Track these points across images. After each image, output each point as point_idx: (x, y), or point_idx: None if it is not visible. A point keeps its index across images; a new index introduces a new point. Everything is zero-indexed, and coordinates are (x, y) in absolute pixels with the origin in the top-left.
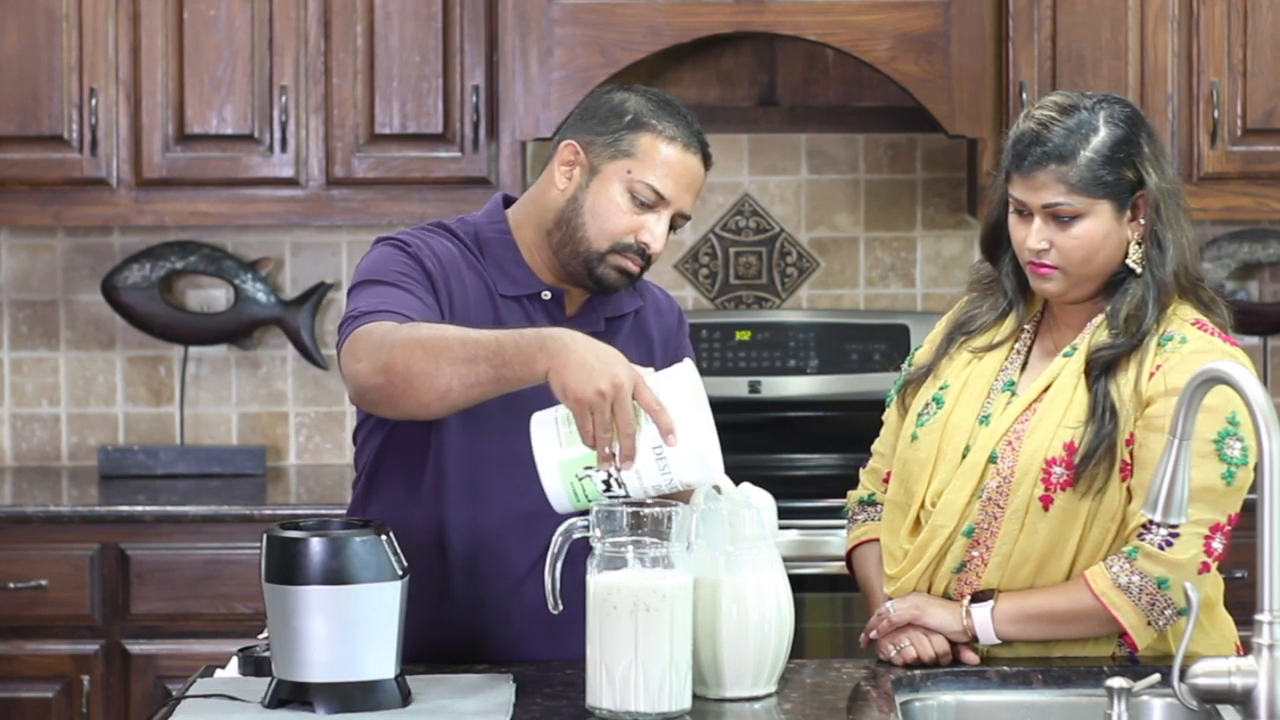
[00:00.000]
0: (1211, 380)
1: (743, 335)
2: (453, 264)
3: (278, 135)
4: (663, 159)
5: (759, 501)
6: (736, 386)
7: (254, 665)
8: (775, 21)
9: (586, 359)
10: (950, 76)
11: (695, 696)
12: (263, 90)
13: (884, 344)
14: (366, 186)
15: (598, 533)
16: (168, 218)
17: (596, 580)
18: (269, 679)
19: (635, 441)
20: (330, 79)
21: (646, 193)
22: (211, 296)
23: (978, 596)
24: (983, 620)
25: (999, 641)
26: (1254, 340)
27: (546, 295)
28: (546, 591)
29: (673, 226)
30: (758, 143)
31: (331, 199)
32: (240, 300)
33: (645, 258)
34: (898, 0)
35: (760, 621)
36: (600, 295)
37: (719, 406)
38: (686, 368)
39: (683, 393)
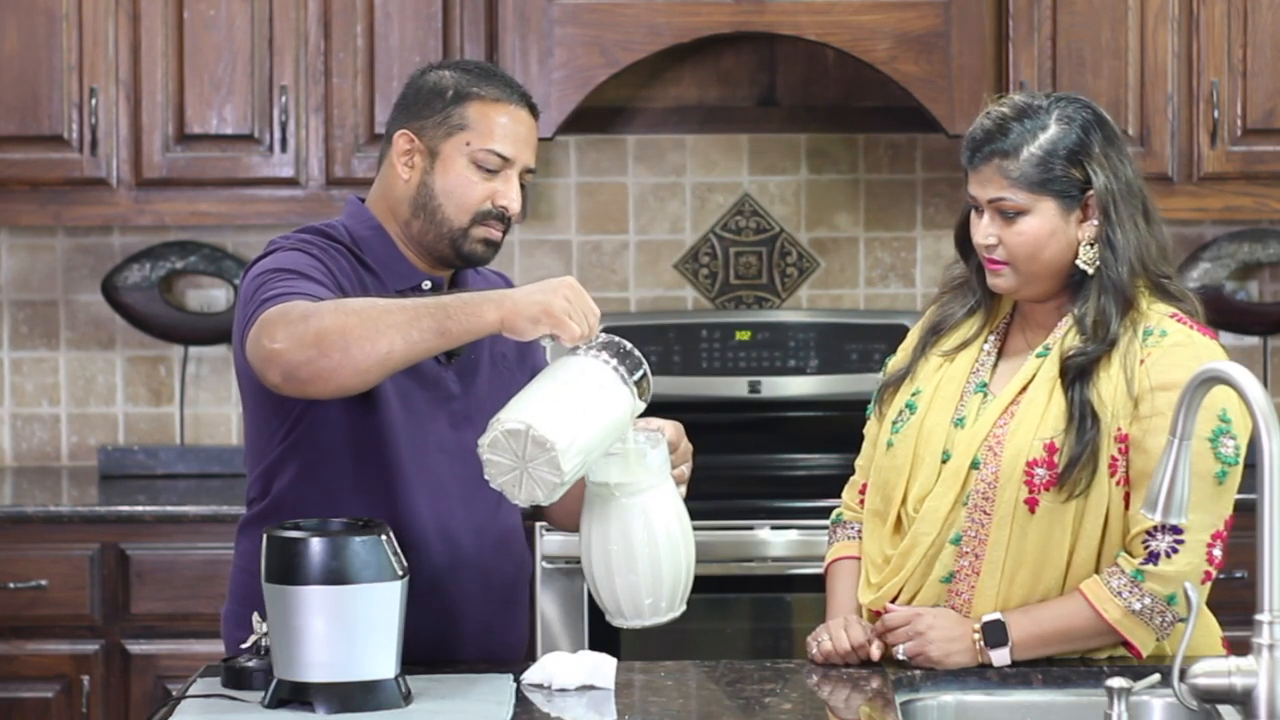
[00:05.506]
0: (1211, 380)
1: (743, 335)
2: (341, 269)
3: (278, 135)
4: (496, 122)
5: (652, 436)
6: (736, 386)
7: (235, 677)
8: (775, 21)
9: (530, 292)
10: (950, 76)
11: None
12: (263, 90)
13: (884, 344)
14: (367, 186)
15: None
16: (168, 218)
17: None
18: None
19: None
20: (330, 79)
21: (491, 159)
22: (211, 296)
23: (987, 629)
24: (1002, 659)
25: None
26: (1254, 340)
27: (427, 285)
28: None
29: (521, 183)
30: (758, 143)
31: (331, 199)
32: None
33: (505, 221)
34: (898, 0)
35: (669, 541)
36: (462, 270)
37: (719, 406)
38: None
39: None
